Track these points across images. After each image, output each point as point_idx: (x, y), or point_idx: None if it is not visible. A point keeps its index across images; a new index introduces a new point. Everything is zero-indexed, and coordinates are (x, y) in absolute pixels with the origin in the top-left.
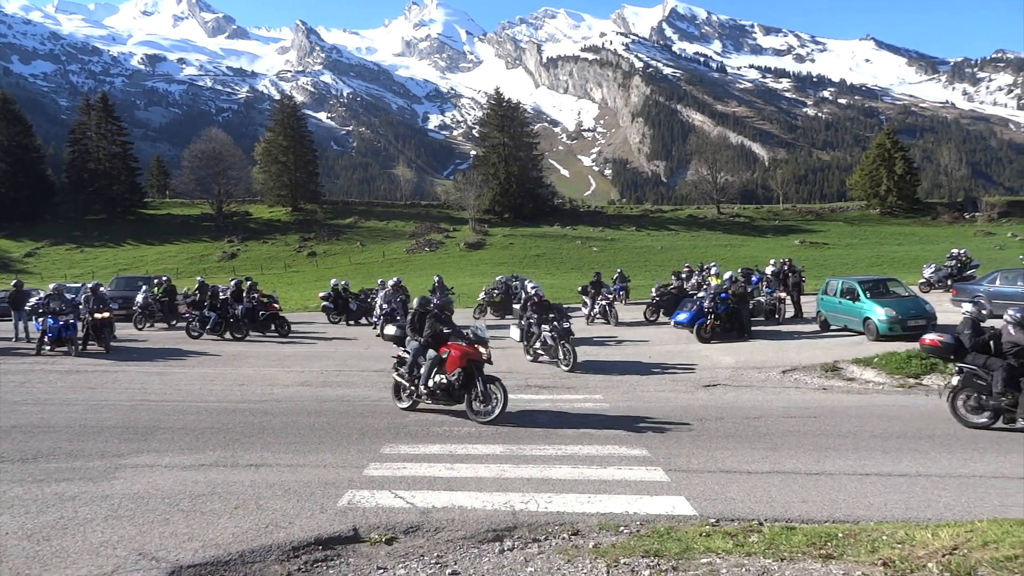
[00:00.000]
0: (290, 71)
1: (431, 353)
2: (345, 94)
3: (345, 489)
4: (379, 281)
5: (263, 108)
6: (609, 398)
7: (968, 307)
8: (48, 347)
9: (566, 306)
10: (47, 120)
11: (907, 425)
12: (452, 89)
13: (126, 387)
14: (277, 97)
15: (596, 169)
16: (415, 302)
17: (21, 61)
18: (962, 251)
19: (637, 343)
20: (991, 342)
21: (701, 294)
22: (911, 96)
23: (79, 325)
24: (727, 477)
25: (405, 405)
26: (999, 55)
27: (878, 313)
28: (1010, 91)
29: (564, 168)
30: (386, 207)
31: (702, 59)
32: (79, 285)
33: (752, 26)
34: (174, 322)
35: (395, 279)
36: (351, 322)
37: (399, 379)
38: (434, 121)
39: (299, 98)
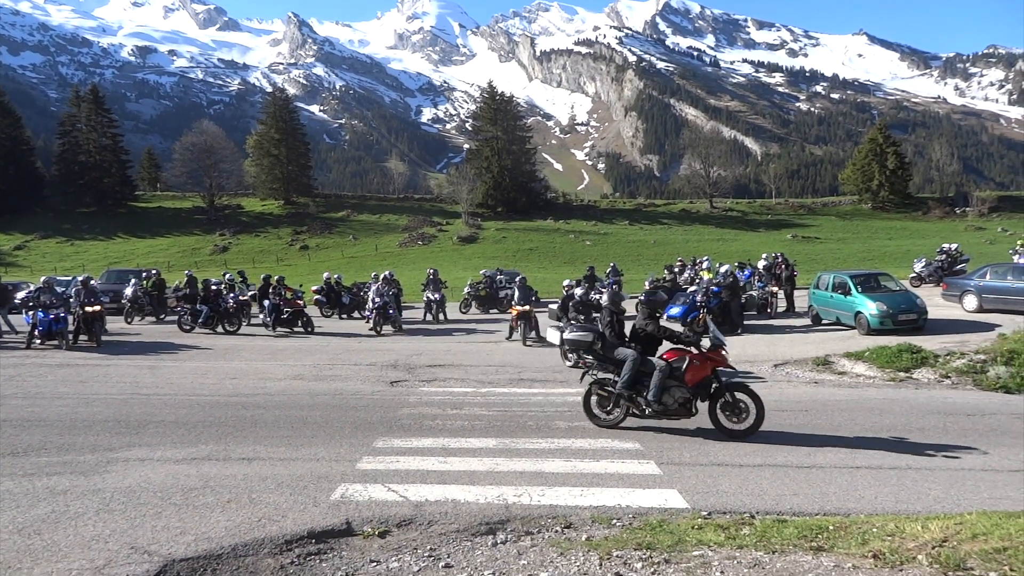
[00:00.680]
0: (282, 63)
1: (659, 363)
2: (338, 87)
3: (338, 483)
4: (372, 274)
5: (255, 101)
6: None
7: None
8: (38, 341)
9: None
10: (36, 112)
11: (897, 419)
12: (445, 82)
13: (117, 381)
14: (269, 90)
15: (589, 163)
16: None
17: (10, 52)
18: (953, 246)
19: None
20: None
21: (693, 288)
22: (903, 91)
23: (70, 318)
24: (719, 470)
25: (610, 421)
26: (991, 50)
27: (869, 307)
28: (1001, 86)
29: (557, 162)
30: (379, 201)
31: (695, 53)
32: (69, 278)
33: (745, 20)
34: (163, 316)
35: (388, 272)
36: (344, 316)
37: (600, 392)
38: (427, 114)
39: (291, 91)
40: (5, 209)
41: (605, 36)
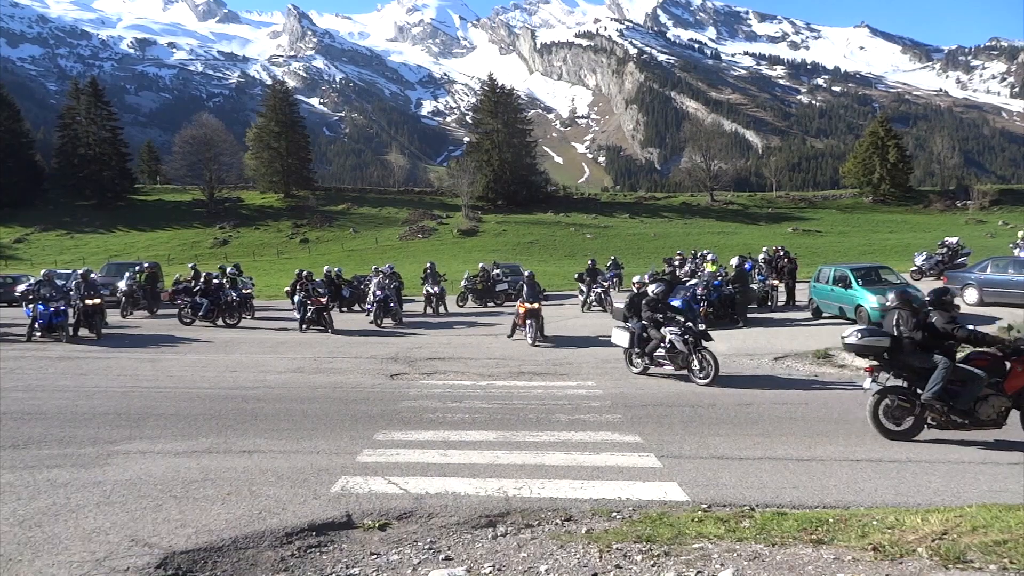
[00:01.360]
0: (282, 56)
1: (974, 370)
2: (337, 79)
3: (338, 475)
4: (373, 268)
5: (255, 93)
6: (602, 384)
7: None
8: (39, 334)
9: (559, 293)
10: (36, 105)
11: None
12: (445, 75)
13: (118, 373)
14: (269, 82)
15: (590, 156)
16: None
17: (9, 44)
18: (954, 239)
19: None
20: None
21: (694, 281)
22: (905, 84)
23: (70, 312)
24: (719, 463)
25: (902, 432)
26: (993, 43)
27: (870, 300)
28: (1003, 79)
29: (558, 155)
30: (379, 193)
31: (696, 46)
32: (70, 271)
33: (747, 13)
34: (155, 309)
35: (388, 266)
36: (344, 309)
37: (901, 401)
38: (427, 107)
39: (291, 83)
40: (5, 202)
41: (606, 28)
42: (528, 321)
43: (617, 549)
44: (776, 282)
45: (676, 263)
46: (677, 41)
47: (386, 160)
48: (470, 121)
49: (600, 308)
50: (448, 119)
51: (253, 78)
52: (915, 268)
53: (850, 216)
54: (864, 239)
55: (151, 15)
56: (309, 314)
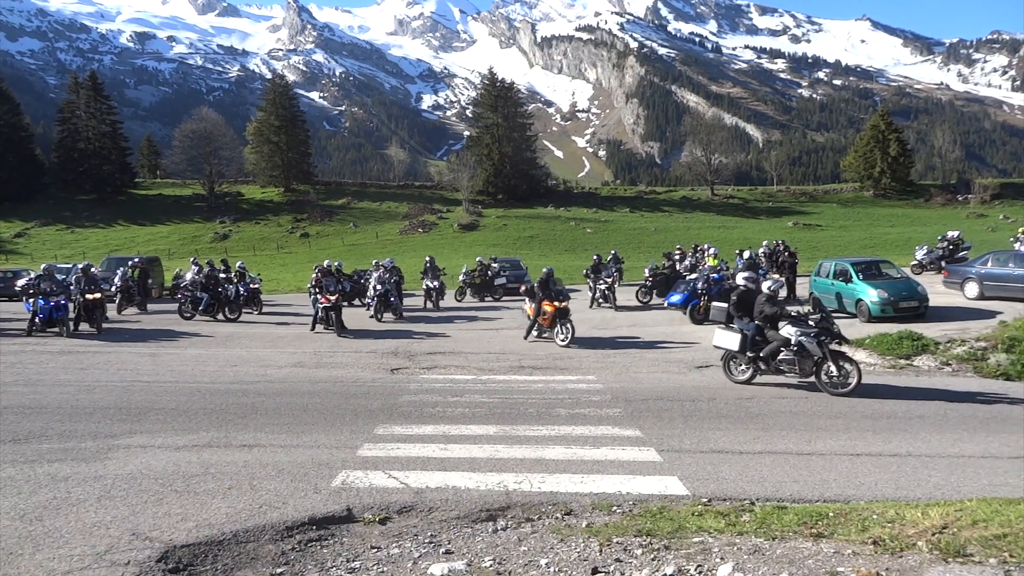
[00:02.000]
0: (282, 50)
1: None
2: (337, 73)
3: (339, 469)
4: (373, 262)
5: (254, 87)
6: (602, 379)
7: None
8: (39, 328)
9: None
10: (35, 99)
11: (897, 406)
12: (445, 69)
13: (118, 368)
14: (268, 76)
15: (590, 150)
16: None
17: (8, 38)
18: (955, 233)
19: (631, 324)
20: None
21: (694, 276)
22: (906, 77)
23: (70, 306)
24: (719, 457)
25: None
26: (994, 36)
27: (870, 295)
28: (1005, 72)
29: (558, 149)
30: (379, 188)
31: (697, 39)
32: (70, 266)
33: (748, 6)
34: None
35: (388, 260)
36: (345, 303)
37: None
38: (427, 101)
39: (291, 77)
40: (5, 196)
41: (606, 22)
42: (560, 321)
43: (617, 543)
44: (776, 276)
45: (676, 257)
46: (678, 35)
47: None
48: (470, 115)
49: (608, 304)
50: (448, 113)
51: (253, 72)
52: (916, 262)
53: (851, 210)
54: (865, 233)
55: (150, 8)
56: (319, 314)
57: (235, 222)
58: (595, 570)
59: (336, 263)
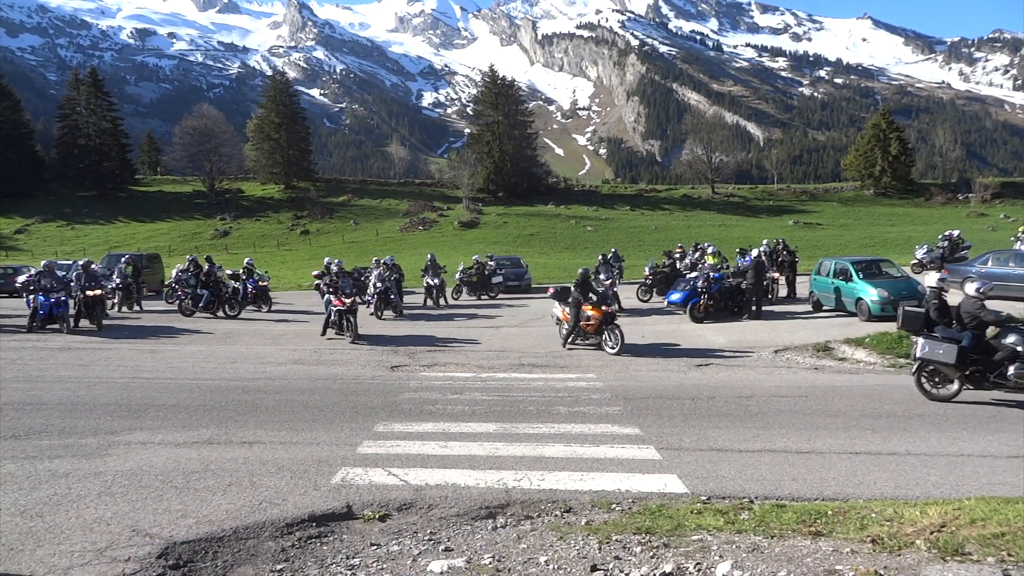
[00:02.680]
0: (282, 46)
1: None
2: (338, 70)
3: (339, 466)
4: (373, 260)
5: (255, 84)
6: (602, 377)
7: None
8: (39, 324)
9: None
10: (35, 95)
11: (897, 405)
12: (446, 66)
13: (119, 364)
14: (269, 73)
15: (591, 148)
16: None
17: (8, 34)
18: (955, 232)
19: (631, 323)
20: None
21: (695, 274)
22: (907, 76)
23: (71, 302)
24: (718, 455)
25: None
26: (996, 35)
27: (870, 294)
28: (1006, 71)
29: (558, 147)
30: (380, 185)
31: (698, 37)
32: (70, 262)
33: (749, 4)
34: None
35: (388, 258)
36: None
37: None
38: (428, 98)
39: (291, 74)
40: (5, 193)
41: (607, 20)
42: (607, 328)
43: (616, 541)
44: (777, 275)
45: (677, 256)
46: (679, 32)
47: (387, 152)
48: (471, 113)
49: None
50: (449, 111)
51: (253, 69)
52: (916, 261)
53: (851, 209)
54: (865, 232)
55: (151, 5)
56: (332, 317)
57: (235, 219)
58: (594, 567)
59: (337, 260)
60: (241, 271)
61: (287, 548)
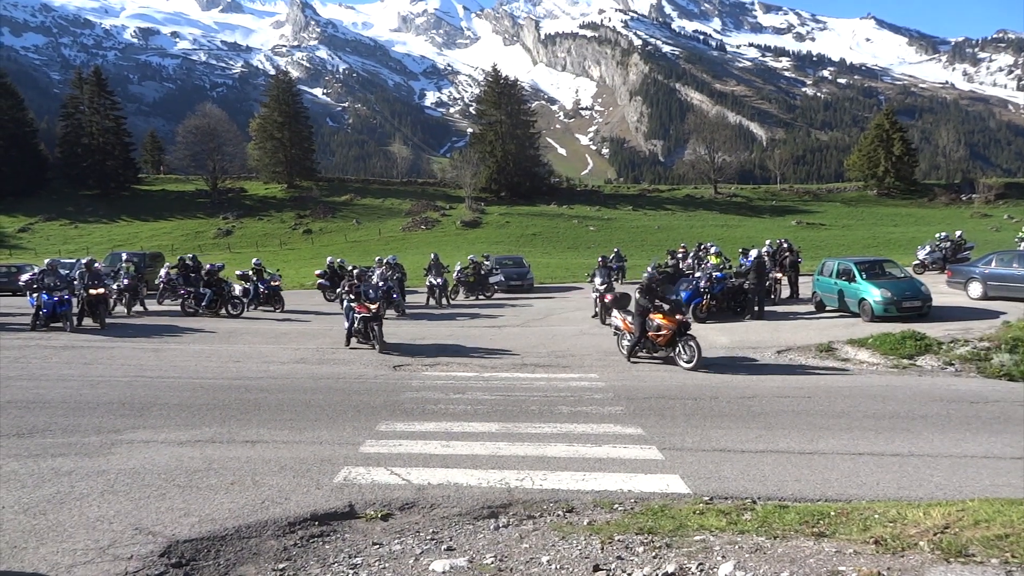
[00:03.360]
0: (285, 46)
1: None
2: (341, 70)
3: (341, 466)
4: (376, 259)
5: (258, 83)
6: (604, 377)
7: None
8: (42, 323)
9: (563, 285)
10: (39, 94)
11: (900, 405)
12: (449, 66)
13: (122, 363)
14: (272, 72)
15: (593, 148)
16: None
17: (12, 33)
18: (957, 233)
19: None
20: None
21: (697, 274)
22: (911, 76)
23: (74, 301)
24: (721, 456)
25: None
26: (1000, 35)
27: (873, 294)
28: (1010, 72)
29: (561, 147)
30: (382, 185)
31: (701, 37)
32: (73, 261)
33: (752, 4)
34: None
35: (391, 257)
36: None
37: None
38: (431, 98)
39: (294, 73)
40: (9, 191)
41: (610, 19)
42: (681, 340)
43: (619, 541)
44: (779, 275)
45: (679, 255)
46: (682, 32)
47: (389, 151)
48: (473, 112)
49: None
50: (452, 110)
51: (256, 68)
52: (918, 262)
53: (854, 209)
54: (868, 232)
55: (154, 4)
56: (356, 324)
57: (238, 218)
58: (596, 567)
59: (339, 260)
60: (250, 271)
61: (289, 547)
